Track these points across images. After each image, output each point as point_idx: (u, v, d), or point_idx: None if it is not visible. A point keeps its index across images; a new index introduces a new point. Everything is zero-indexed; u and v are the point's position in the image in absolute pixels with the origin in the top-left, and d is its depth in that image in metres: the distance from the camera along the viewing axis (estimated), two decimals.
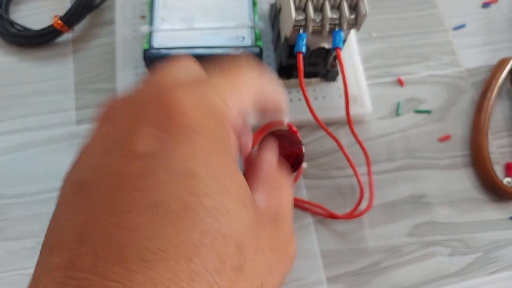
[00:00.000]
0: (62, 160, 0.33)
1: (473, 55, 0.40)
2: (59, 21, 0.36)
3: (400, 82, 0.38)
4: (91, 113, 0.35)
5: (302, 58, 0.28)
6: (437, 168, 0.35)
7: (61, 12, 0.38)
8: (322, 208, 0.33)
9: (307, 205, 0.33)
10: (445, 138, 0.36)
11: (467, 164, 0.35)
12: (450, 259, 0.33)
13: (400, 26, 0.40)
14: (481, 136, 0.35)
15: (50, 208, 0.32)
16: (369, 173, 0.33)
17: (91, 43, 0.38)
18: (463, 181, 0.35)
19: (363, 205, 0.33)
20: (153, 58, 0.30)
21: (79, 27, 0.38)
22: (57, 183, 0.33)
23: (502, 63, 0.38)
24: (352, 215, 0.32)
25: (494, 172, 0.34)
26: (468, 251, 0.33)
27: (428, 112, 0.37)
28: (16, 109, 0.35)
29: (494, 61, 0.39)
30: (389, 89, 0.38)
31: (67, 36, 0.37)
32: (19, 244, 0.32)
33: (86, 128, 0.35)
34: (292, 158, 0.27)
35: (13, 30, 0.37)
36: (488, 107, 0.36)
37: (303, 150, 0.29)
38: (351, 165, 0.33)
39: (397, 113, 0.37)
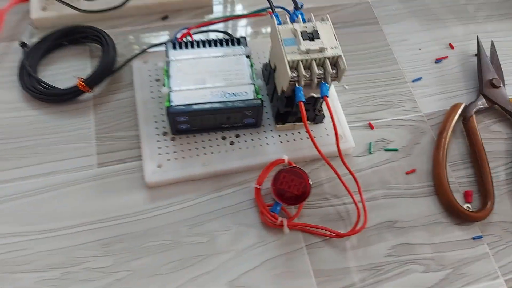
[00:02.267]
0: (85, 199, 0.37)
1: (430, 102, 0.46)
2: (82, 83, 0.40)
3: (370, 126, 0.43)
4: (110, 157, 0.39)
5: (296, 106, 0.33)
6: (406, 197, 0.40)
7: (82, 73, 0.43)
8: (327, 229, 0.36)
9: (312, 228, 0.37)
10: (411, 172, 0.41)
11: (432, 193, 0.40)
12: (425, 276, 0.36)
13: (368, 79, 0.46)
14: (440, 169, 0.40)
15: (74, 242, 0.36)
16: (361, 198, 0.37)
17: (110, 98, 0.42)
18: (429, 207, 0.39)
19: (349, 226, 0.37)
20: (175, 112, 0.35)
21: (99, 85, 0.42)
22: (80, 219, 0.36)
23: (454, 108, 0.44)
24: (354, 232, 0.36)
25: (455, 199, 0.39)
26: (440, 268, 0.37)
27: (395, 150, 0.42)
28: (43, 155, 0.39)
29: (448, 106, 0.45)
30: (361, 132, 0.43)
31: (88, 94, 0.42)
32: (46, 275, 0.34)
33: (105, 170, 0.38)
34: (301, 188, 0.33)
35: (40, 88, 0.41)
36: (445, 144, 0.41)
37: (310, 181, 0.34)
38: (348, 191, 0.37)
39: (369, 151, 0.42)
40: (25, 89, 0.41)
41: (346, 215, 0.38)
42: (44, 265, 0.34)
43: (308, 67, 0.33)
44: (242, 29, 0.49)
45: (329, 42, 0.33)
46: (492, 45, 0.49)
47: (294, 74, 0.32)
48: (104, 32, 0.43)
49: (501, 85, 0.45)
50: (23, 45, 0.43)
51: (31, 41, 0.44)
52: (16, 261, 0.34)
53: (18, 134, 0.40)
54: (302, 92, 0.33)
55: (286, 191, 0.34)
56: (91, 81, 0.41)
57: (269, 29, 0.49)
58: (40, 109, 0.41)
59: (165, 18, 0.48)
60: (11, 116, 0.40)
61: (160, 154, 0.38)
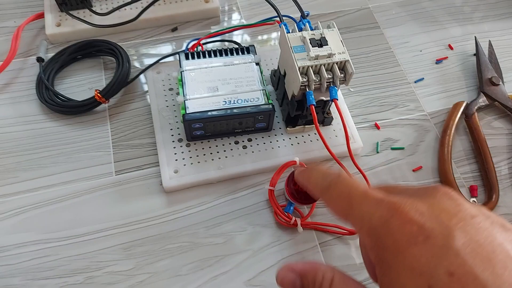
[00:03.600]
0: (105, 205, 0.38)
1: (433, 101, 0.47)
2: (99, 94, 0.41)
3: (376, 126, 0.44)
4: (127, 164, 0.40)
5: (307, 109, 0.33)
6: None
7: (96, 85, 0.44)
8: (339, 227, 0.37)
9: (325, 227, 0.38)
10: (418, 169, 0.42)
11: None
12: None
13: (372, 81, 0.48)
14: (446, 165, 0.41)
15: (96, 247, 0.37)
16: None
17: (124, 108, 0.43)
18: None
19: None
20: (190, 120, 0.36)
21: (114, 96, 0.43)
22: (101, 225, 0.37)
23: (456, 106, 0.45)
24: None
25: (461, 194, 0.40)
26: None
27: (402, 148, 0.43)
28: (63, 165, 0.40)
29: (450, 105, 0.46)
30: (368, 132, 0.44)
31: (103, 105, 0.43)
32: (71, 280, 0.35)
33: (123, 177, 0.39)
34: None
35: (58, 100, 0.42)
36: (449, 141, 0.42)
37: None
38: None
39: (376, 150, 0.43)
40: (43, 102, 0.42)
41: None
42: (67, 271, 0.35)
43: (317, 72, 0.34)
44: (249, 37, 0.50)
45: (337, 47, 0.34)
46: (490, 44, 0.50)
47: (305, 79, 0.34)
48: (118, 45, 0.45)
49: (500, 82, 0.46)
50: (39, 60, 0.44)
51: (47, 56, 0.45)
52: (40, 268, 0.35)
53: (38, 145, 0.41)
54: (313, 96, 0.34)
55: (299, 191, 0.35)
56: (107, 93, 0.42)
57: (274, 36, 0.50)
58: (58, 121, 0.42)
59: (174, 29, 0.49)
60: (30, 128, 0.42)
61: (176, 160, 0.39)
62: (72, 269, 0.35)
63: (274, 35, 0.50)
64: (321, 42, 0.34)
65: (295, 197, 0.35)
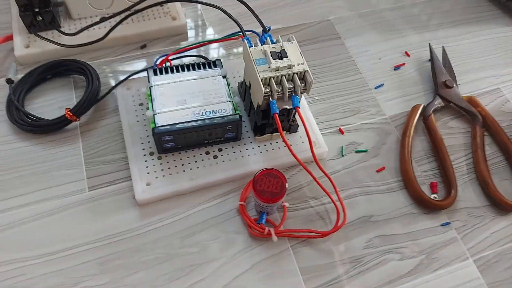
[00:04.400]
0: (79, 222, 0.38)
1: (392, 105, 0.49)
2: (69, 113, 0.42)
3: (340, 131, 0.46)
4: (100, 180, 0.40)
5: (272, 118, 0.35)
6: (379, 192, 0.42)
7: (67, 103, 0.45)
8: (312, 231, 0.38)
9: (298, 233, 0.38)
10: (381, 170, 0.44)
11: (401, 187, 0.43)
12: (401, 263, 0.39)
13: (335, 89, 0.50)
14: (407, 164, 0.43)
15: (69, 264, 0.36)
16: (338, 197, 0.40)
17: (96, 125, 0.44)
18: (400, 200, 0.42)
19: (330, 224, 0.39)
20: (160, 133, 0.37)
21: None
22: (75, 241, 0.37)
23: (414, 109, 0.47)
24: (336, 229, 0.38)
25: (422, 191, 0.42)
26: (414, 255, 0.39)
27: (365, 151, 0.45)
28: (35, 184, 0.40)
29: (408, 108, 0.48)
30: (333, 137, 0.46)
31: (75, 123, 0.43)
32: None
33: (96, 192, 0.40)
34: (278, 187, 0.35)
35: (28, 120, 0.42)
36: (409, 142, 0.44)
37: (286, 181, 0.36)
38: (325, 192, 0.39)
39: (341, 154, 0.44)
40: (14, 122, 0.42)
41: (325, 214, 0.40)
42: None
43: (279, 82, 0.36)
44: (215, 51, 0.51)
45: (296, 59, 0.36)
46: (444, 50, 0.53)
47: (267, 90, 0.35)
48: (87, 63, 0.45)
49: (454, 85, 0.49)
50: (9, 81, 0.44)
51: (17, 77, 0.45)
52: (16, 287, 0.35)
53: (9, 165, 0.41)
54: (276, 105, 0.35)
55: (266, 191, 0.36)
56: (78, 111, 0.42)
57: (240, 50, 0.52)
58: (29, 140, 0.42)
59: (143, 46, 0.50)
60: (1, 149, 0.41)
61: (148, 173, 0.40)
62: (48, 287, 0.35)
63: (240, 49, 0.52)
64: (281, 55, 0.36)
65: (263, 196, 0.36)
